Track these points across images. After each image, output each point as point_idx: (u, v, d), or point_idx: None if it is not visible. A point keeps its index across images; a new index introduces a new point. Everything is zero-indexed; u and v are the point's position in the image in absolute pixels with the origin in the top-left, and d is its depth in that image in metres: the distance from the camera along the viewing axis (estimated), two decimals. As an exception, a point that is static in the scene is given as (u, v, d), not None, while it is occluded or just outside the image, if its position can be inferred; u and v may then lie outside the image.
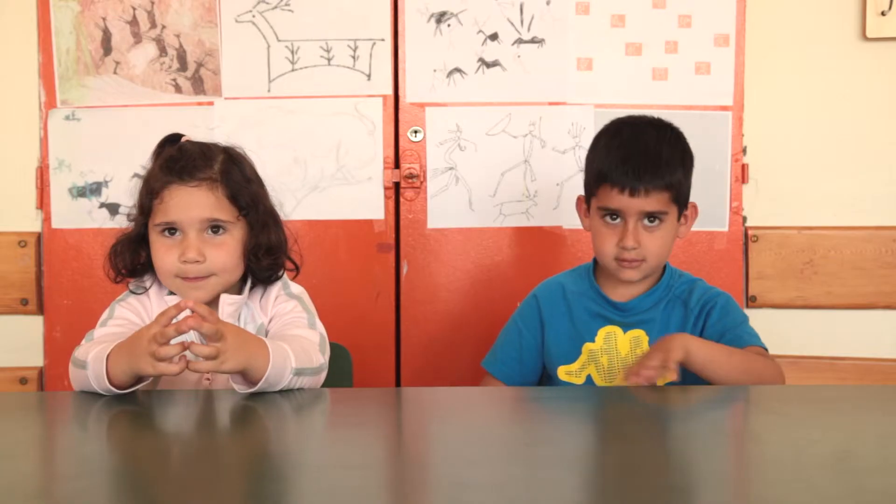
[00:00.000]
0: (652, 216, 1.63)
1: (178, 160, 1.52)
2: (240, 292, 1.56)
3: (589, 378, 1.69)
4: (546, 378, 1.77)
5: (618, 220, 1.64)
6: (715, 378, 1.52)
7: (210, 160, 1.54)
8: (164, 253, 1.51)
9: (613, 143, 1.67)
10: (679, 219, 1.69)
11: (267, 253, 1.55)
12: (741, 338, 1.63)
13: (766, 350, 1.64)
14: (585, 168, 1.73)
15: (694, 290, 1.70)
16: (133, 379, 1.37)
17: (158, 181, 1.51)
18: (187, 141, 1.58)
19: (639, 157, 1.63)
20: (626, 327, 1.69)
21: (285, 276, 1.62)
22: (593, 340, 1.70)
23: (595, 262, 1.75)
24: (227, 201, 1.52)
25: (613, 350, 1.69)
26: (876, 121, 2.36)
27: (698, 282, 1.73)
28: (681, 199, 1.67)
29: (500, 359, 1.78)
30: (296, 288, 1.62)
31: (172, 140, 1.59)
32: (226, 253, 1.51)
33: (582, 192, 1.76)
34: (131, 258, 1.55)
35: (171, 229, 1.51)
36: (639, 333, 1.69)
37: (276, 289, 1.59)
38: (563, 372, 1.71)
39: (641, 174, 1.61)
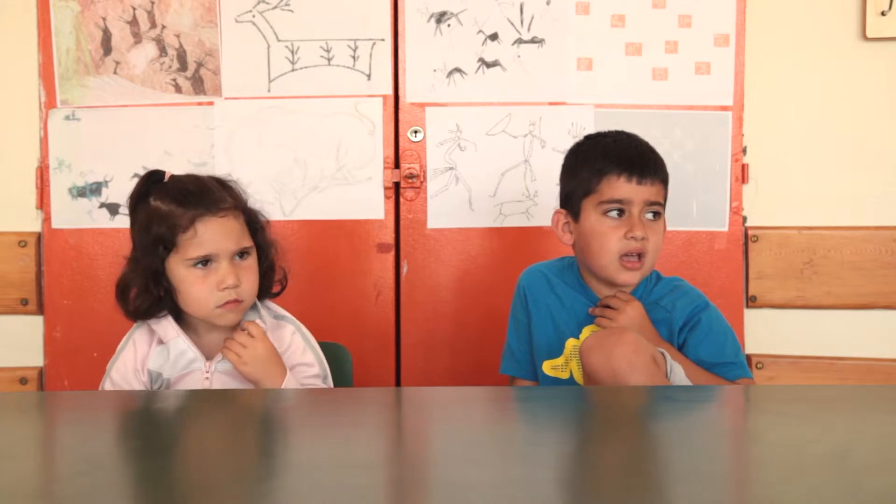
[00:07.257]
0: (655, 211, 1.64)
1: (197, 193, 1.51)
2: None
3: (571, 375, 1.69)
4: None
5: (623, 216, 1.62)
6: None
7: (221, 190, 1.54)
8: (200, 286, 1.50)
9: (605, 142, 1.68)
10: None
11: (271, 269, 1.59)
12: (726, 376, 1.61)
13: (752, 380, 1.63)
14: (569, 179, 1.70)
15: (677, 300, 1.66)
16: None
17: (184, 216, 1.49)
18: (177, 175, 1.56)
19: (638, 148, 1.65)
20: None
21: (280, 312, 1.62)
22: (577, 337, 1.68)
23: (577, 260, 1.73)
24: (246, 227, 1.55)
25: None
26: (876, 121, 2.36)
27: (680, 287, 1.70)
28: (666, 199, 1.68)
29: (518, 359, 1.77)
30: (291, 323, 1.62)
31: (157, 178, 1.55)
32: (253, 276, 1.54)
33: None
34: (152, 297, 1.52)
35: (205, 260, 1.51)
36: None
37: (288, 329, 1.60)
38: (548, 367, 1.70)
39: (646, 163, 1.62)
